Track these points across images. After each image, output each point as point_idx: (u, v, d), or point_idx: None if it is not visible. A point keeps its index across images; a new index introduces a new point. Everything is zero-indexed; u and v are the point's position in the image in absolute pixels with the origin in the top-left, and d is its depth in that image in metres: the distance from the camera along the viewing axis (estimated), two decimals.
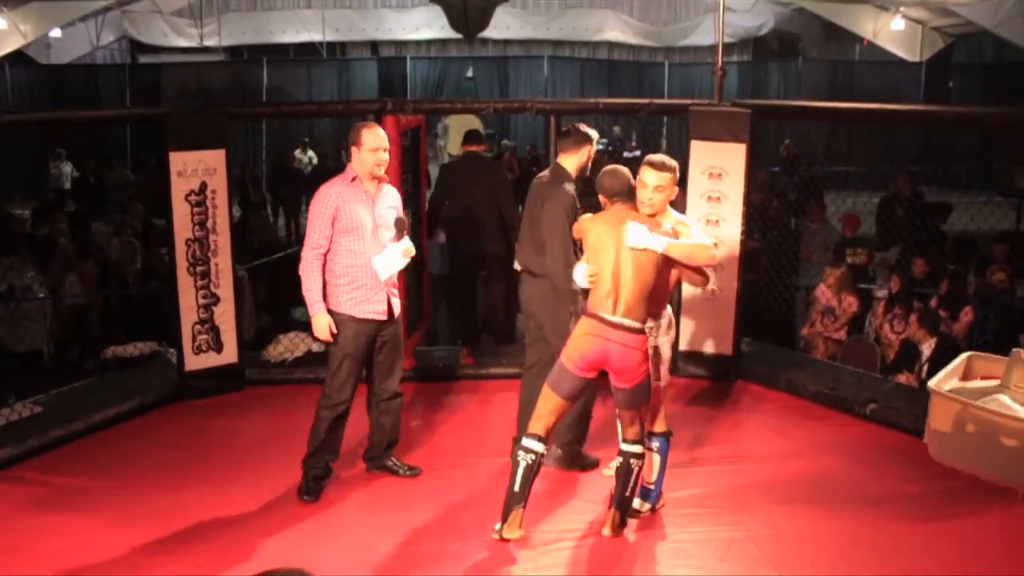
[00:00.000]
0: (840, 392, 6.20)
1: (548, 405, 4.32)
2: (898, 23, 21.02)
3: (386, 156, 4.76)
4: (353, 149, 4.75)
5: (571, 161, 5.02)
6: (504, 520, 4.35)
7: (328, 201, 4.70)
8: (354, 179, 4.75)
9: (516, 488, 4.31)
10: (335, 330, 4.73)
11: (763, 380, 6.60)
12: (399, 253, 4.79)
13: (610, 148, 16.83)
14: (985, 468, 3.09)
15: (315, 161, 17.58)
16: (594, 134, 5.09)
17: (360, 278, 4.73)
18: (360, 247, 4.72)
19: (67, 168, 16.78)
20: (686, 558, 4.36)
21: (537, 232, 4.97)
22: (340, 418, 4.90)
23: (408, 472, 5.15)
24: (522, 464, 4.30)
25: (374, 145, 4.69)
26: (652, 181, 4.31)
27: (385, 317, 4.83)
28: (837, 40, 23.45)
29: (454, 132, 23.83)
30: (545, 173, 5.17)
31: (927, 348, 6.62)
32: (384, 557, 4.35)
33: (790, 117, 11.11)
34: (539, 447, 4.32)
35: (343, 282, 4.73)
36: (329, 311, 4.72)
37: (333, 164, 16.93)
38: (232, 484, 5.08)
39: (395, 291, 4.92)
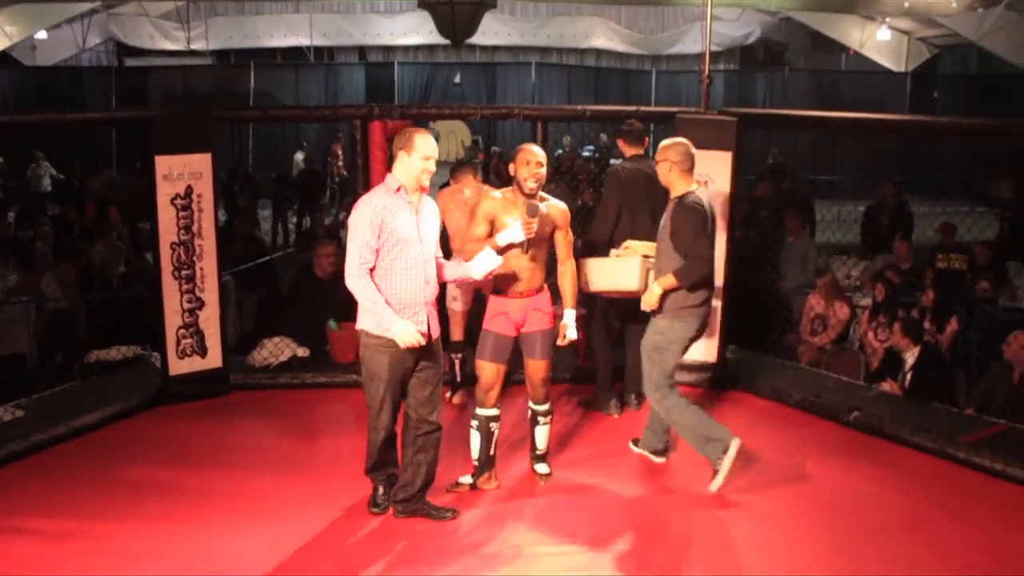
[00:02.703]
0: (824, 400, 6.23)
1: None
2: (884, 33, 21.15)
3: (434, 166, 4.44)
4: (400, 154, 4.40)
5: (635, 151, 6.14)
6: (479, 475, 5.02)
7: (374, 213, 4.34)
8: (399, 189, 4.41)
9: (492, 451, 5.03)
10: (437, 330, 4.52)
11: (748, 387, 6.62)
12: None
13: (597, 155, 16.86)
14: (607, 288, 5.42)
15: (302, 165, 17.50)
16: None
17: (404, 297, 4.40)
18: (405, 263, 4.39)
19: (45, 171, 16.64)
20: (668, 564, 4.35)
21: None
22: (388, 440, 4.64)
23: (450, 515, 4.72)
24: (495, 433, 4.99)
25: (426, 153, 4.37)
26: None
27: (425, 340, 4.45)
28: (823, 50, 23.58)
29: (443, 139, 23.86)
30: (629, 165, 6.06)
31: (911, 356, 6.65)
32: (370, 564, 4.35)
33: (776, 126, 11.21)
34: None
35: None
36: (363, 332, 4.45)
37: (319, 167, 16.91)
38: (215, 490, 5.05)
39: (434, 311, 4.57)
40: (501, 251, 4.75)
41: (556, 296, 5.06)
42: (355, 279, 4.35)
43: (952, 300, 7.41)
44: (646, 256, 5.24)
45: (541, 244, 4.85)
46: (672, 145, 5.16)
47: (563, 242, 4.96)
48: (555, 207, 4.89)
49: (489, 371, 4.89)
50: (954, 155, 20.12)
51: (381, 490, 4.76)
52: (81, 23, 20.96)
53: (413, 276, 4.42)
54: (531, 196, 4.78)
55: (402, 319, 4.34)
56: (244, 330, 8.39)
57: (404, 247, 4.38)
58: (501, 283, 4.86)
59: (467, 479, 5.05)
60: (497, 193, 4.98)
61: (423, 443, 4.62)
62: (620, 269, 5.33)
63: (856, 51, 22.33)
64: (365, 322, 4.45)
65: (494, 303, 4.92)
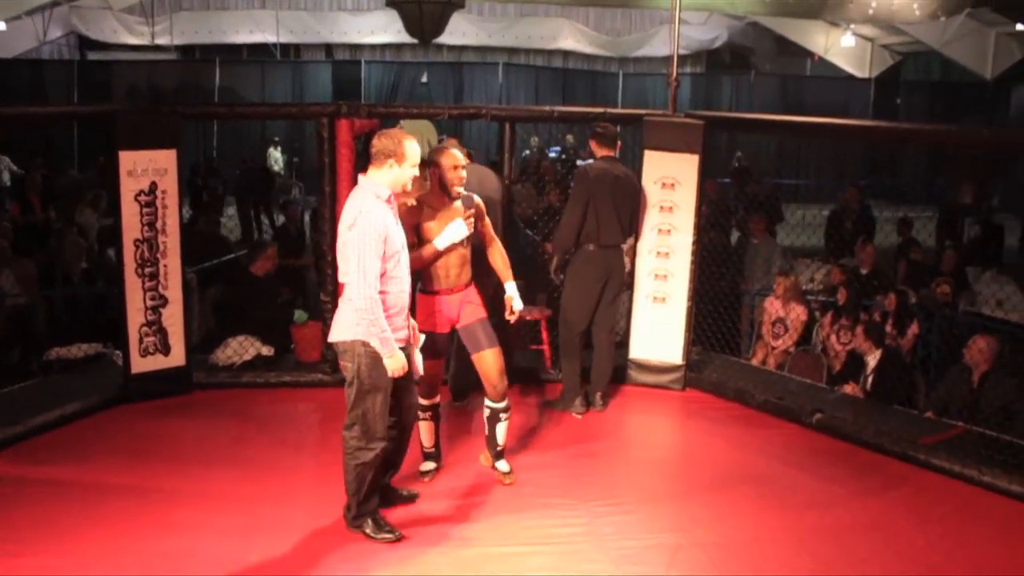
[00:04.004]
0: (787, 402, 6.28)
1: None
2: (848, 40, 21.44)
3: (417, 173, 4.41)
4: (390, 163, 4.25)
5: (606, 152, 6.18)
6: (438, 458, 5.26)
7: (380, 226, 4.18)
8: (390, 199, 4.30)
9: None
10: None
11: (712, 389, 6.66)
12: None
13: (563, 156, 16.88)
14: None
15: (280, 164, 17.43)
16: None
17: (398, 304, 4.33)
18: (399, 272, 4.32)
19: (5, 165, 16.32)
20: (632, 565, 4.37)
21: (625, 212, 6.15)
22: (382, 456, 4.44)
23: (409, 497, 4.85)
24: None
25: (416, 160, 4.30)
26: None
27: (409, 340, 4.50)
28: (789, 55, 23.83)
29: None
30: (598, 165, 6.12)
31: (872, 359, 6.72)
32: (337, 561, 4.33)
33: (743, 129, 11.30)
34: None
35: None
36: (358, 343, 4.27)
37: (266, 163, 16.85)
38: (177, 489, 4.99)
39: None
40: (441, 253, 4.77)
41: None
42: (370, 305, 4.17)
43: (917, 299, 7.57)
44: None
45: (470, 239, 4.88)
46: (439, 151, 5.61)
47: (485, 226, 5.02)
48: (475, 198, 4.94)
49: (430, 367, 4.89)
50: (917, 160, 20.44)
51: (375, 521, 4.53)
52: (42, 15, 20.64)
53: (403, 283, 4.37)
54: (457, 197, 4.81)
55: (400, 352, 4.28)
56: (208, 328, 8.30)
57: (399, 256, 4.32)
58: (431, 282, 4.87)
59: (430, 465, 5.18)
60: (412, 201, 4.79)
61: (406, 424, 4.68)
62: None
63: (821, 56, 22.60)
64: (361, 332, 4.26)
65: (426, 302, 4.91)
